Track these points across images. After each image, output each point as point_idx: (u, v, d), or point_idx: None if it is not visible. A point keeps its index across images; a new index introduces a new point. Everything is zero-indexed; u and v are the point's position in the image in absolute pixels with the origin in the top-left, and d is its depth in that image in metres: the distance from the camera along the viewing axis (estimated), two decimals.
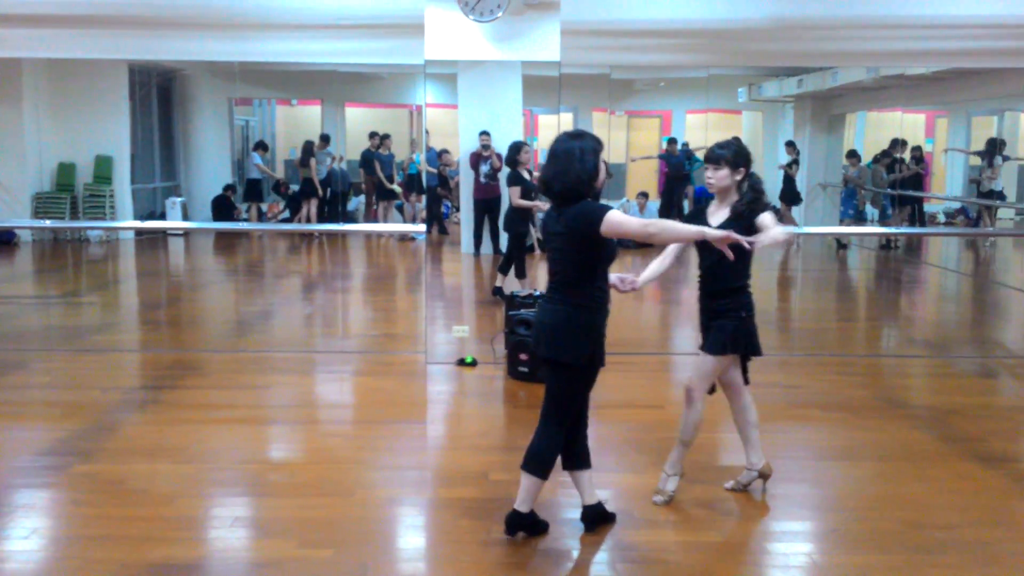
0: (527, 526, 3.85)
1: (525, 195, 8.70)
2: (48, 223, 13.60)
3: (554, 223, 3.73)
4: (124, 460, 4.79)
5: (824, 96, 15.97)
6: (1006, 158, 14.50)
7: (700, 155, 16.28)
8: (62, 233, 14.21)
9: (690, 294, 10.59)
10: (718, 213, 4.14)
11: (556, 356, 3.72)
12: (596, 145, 3.72)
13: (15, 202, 13.30)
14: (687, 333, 7.87)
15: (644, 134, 20.14)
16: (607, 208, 3.60)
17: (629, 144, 19.31)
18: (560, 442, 3.82)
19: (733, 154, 4.07)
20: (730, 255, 3.63)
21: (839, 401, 6.10)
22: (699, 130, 17.28)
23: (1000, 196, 14.84)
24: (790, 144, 15.29)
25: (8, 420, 5.56)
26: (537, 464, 3.79)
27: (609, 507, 4.07)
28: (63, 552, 3.79)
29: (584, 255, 3.66)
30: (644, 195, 14.89)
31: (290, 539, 3.86)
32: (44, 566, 3.67)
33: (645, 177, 18.25)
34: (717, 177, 4.08)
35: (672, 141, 16.64)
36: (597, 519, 4.01)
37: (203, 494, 4.39)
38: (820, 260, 14.25)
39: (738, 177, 4.09)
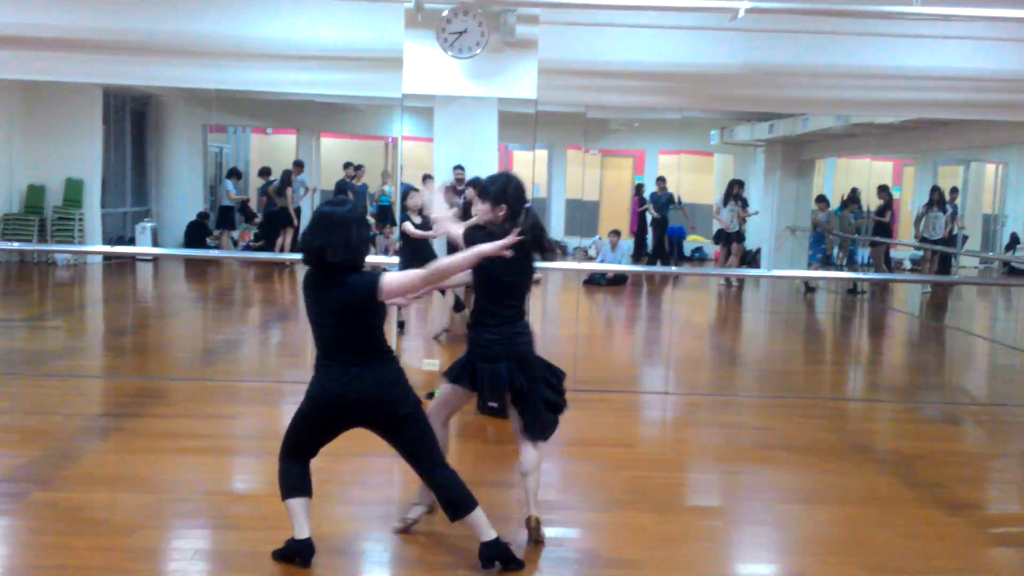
0: (501, 555, 3.82)
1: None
2: (16, 245, 13.41)
3: (327, 294, 3.71)
4: (85, 489, 4.71)
5: (795, 141, 16.22)
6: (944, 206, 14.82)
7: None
8: (29, 255, 14.02)
9: (658, 332, 10.65)
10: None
11: (400, 411, 3.79)
12: (363, 212, 3.89)
13: None
14: (658, 372, 7.89)
15: (617, 172, 20.34)
16: (379, 274, 3.68)
17: (603, 182, 19.48)
18: (454, 473, 3.84)
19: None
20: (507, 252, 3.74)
21: (805, 444, 6.14)
22: (672, 171, 17.47)
23: (948, 242, 15.13)
24: (739, 184, 15.65)
25: None
26: (460, 507, 3.81)
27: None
28: None
29: (372, 318, 3.76)
30: (616, 233, 14.96)
31: (252, 573, 3.81)
32: None
33: (618, 216, 18.40)
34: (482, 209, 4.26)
35: (661, 179, 16.75)
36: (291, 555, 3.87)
37: (165, 525, 4.33)
38: (788, 303, 14.38)
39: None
